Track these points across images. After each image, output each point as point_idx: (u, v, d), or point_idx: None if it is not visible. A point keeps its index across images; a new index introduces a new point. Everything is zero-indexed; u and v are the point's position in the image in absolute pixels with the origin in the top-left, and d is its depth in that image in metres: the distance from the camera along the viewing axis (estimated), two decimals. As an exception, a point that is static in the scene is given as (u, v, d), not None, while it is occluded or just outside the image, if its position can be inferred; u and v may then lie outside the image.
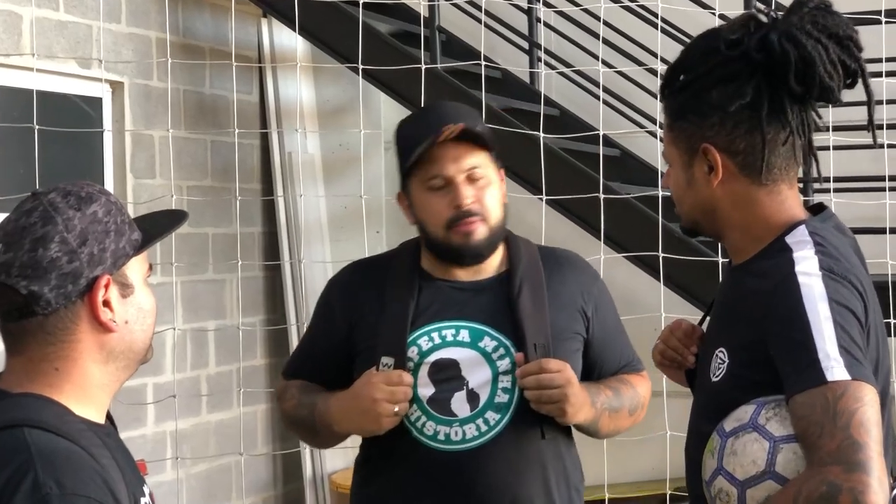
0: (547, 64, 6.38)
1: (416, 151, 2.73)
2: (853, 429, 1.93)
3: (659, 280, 5.28)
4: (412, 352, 2.76)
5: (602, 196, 5.27)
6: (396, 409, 2.69)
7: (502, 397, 2.75)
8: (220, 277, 6.54)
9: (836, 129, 4.40)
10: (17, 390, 1.85)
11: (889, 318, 4.70)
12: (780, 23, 2.18)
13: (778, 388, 2.05)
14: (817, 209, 2.29)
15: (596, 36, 5.99)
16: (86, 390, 1.88)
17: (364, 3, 5.61)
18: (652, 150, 6.08)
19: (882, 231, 5.35)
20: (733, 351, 2.16)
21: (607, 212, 5.24)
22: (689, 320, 2.50)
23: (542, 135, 5.40)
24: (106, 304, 1.87)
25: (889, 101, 5.20)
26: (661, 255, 5.16)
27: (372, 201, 6.16)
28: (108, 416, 2.00)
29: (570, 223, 5.58)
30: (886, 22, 5.28)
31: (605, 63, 5.84)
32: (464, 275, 2.82)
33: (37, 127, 5.24)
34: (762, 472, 2.00)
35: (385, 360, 2.74)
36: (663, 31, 5.69)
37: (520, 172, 5.53)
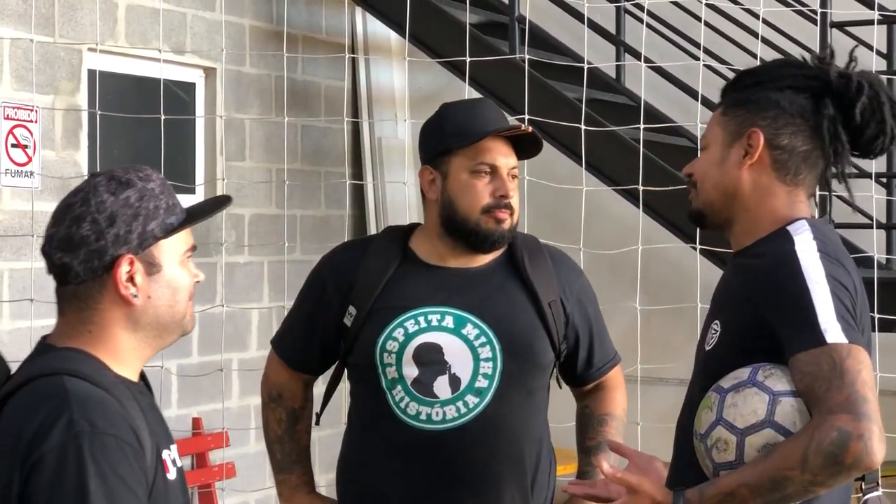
0: (632, 54, 6.40)
1: (475, 134, 2.91)
2: (859, 385, 2.16)
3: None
4: (398, 333, 2.92)
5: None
6: None
7: (482, 382, 2.92)
8: (307, 258, 6.73)
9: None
10: (62, 345, 2.10)
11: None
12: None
13: (767, 355, 2.26)
14: None
15: (677, 31, 6.03)
16: (117, 352, 2.11)
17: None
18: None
19: (869, 226, 5.37)
20: (726, 321, 2.36)
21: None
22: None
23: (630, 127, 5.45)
24: (131, 279, 2.09)
25: None
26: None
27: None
28: (145, 379, 2.23)
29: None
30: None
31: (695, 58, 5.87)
32: (456, 262, 2.99)
33: (163, 117, 5.57)
34: (762, 420, 2.22)
35: (350, 309, 2.94)
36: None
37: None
